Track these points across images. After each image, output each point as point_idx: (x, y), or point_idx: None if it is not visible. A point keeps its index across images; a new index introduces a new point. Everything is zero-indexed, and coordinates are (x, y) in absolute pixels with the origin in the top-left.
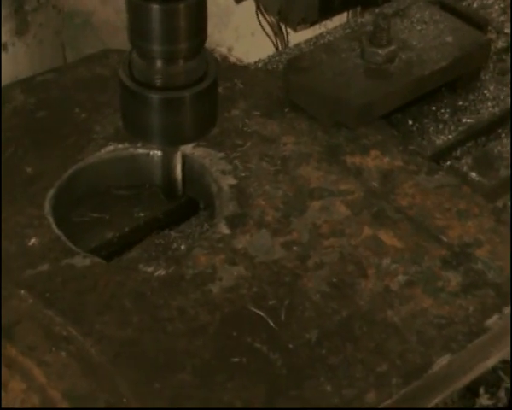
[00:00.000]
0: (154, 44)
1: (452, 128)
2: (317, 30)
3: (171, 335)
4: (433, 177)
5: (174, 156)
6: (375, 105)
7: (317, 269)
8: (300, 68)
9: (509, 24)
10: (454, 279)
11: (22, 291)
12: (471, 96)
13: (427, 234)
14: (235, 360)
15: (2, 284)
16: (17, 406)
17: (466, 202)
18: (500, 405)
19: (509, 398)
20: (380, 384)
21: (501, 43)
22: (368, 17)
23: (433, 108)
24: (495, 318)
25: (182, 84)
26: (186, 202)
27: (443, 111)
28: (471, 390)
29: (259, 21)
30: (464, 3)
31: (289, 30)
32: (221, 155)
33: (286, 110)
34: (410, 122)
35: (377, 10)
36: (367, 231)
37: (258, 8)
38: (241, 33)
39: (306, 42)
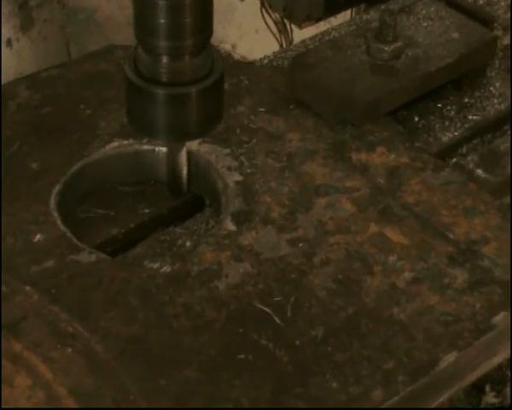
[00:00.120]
0: (160, 40)
1: (458, 125)
2: (320, 27)
3: (177, 331)
4: (439, 174)
5: (179, 153)
6: (380, 102)
7: (323, 266)
8: (306, 65)
9: None
10: (460, 276)
11: (28, 287)
12: (477, 93)
13: (433, 231)
14: (241, 356)
15: (8, 281)
16: (23, 402)
17: (472, 199)
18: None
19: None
20: (386, 381)
21: (507, 40)
22: (373, 14)
23: (439, 104)
24: (502, 315)
25: (188, 80)
26: (191, 199)
27: (449, 108)
28: (477, 388)
29: (264, 18)
30: (470, 0)
31: (293, 27)
32: (227, 151)
33: (291, 107)
34: (416, 119)
35: (383, 7)
36: (373, 228)
37: (262, 5)
38: (244, 31)
39: (312, 38)
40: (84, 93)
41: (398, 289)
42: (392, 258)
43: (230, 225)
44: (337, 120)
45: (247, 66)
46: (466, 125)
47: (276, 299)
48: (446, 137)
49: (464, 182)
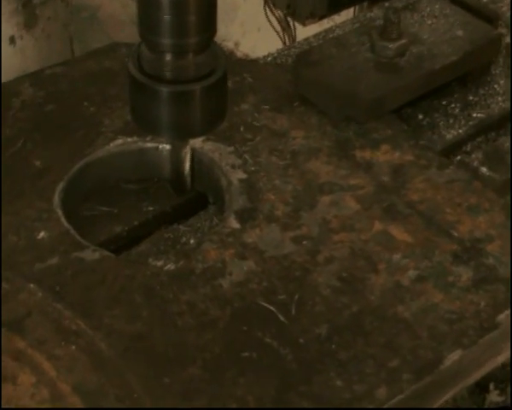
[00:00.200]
0: (164, 38)
1: (463, 123)
2: (324, 25)
3: (181, 329)
4: (443, 172)
5: (183, 150)
6: (385, 99)
7: (328, 264)
8: (310, 62)
9: None
10: (465, 274)
11: (31, 285)
12: (481, 91)
13: (437, 229)
14: (246, 354)
15: (12, 278)
16: (27, 399)
17: (477, 197)
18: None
19: None
20: (391, 380)
21: None
22: (377, 11)
23: (444, 102)
24: (506, 313)
25: (191, 77)
26: (195, 197)
27: (453, 105)
28: (481, 386)
29: (267, 16)
30: None
31: (297, 25)
32: (230, 149)
33: (295, 104)
34: (421, 116)
35: (387, 4)
36: (377, 225)
37: (266, 2)
38: (247, 28)
39: (315, 36)
40: (87, 91)
41: (403, 288)
42: (396, 256)
43: (234, 223)
44: (341, 118)
45: (251, 63)
46: (470, 123)
47: (280, 297)
48: (451, 135)
49: (469, 180)
